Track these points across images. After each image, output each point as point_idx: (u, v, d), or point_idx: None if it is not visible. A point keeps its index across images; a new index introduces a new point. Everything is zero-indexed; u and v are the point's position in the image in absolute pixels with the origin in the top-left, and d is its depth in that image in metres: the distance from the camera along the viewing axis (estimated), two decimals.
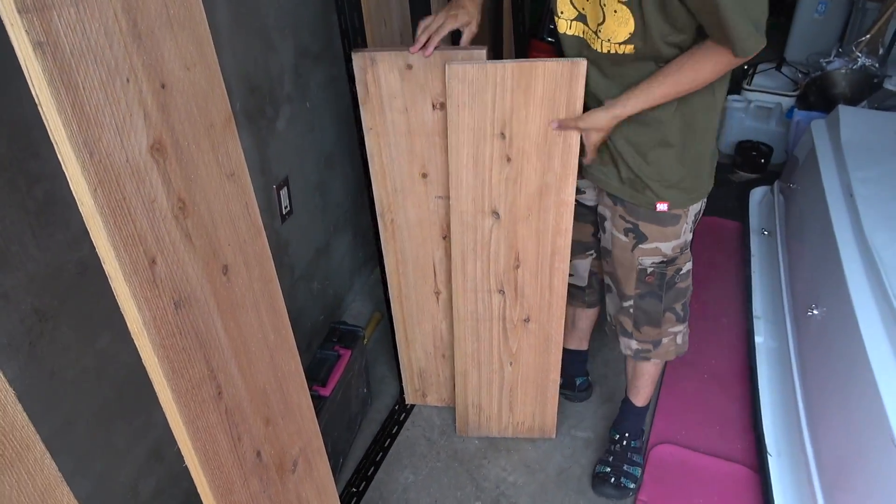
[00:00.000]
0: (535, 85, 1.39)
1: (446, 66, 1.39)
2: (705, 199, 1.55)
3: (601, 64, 1.38)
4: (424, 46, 1.43)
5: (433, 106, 1.50)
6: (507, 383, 1.85)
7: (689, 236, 1.57)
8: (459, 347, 1.79)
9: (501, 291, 1.68)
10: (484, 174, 1.51)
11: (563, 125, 1.43)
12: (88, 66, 0.69)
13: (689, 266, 1.60)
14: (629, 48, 1.30)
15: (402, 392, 2.07)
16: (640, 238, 1.52)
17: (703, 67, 1.26)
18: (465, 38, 1.44)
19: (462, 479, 1.86)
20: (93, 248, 0.76)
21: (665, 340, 1.67)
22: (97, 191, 0.71)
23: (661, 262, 1.55)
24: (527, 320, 1.72)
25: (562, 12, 1.38)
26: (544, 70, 1.37)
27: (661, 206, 1.47)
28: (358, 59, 1.48)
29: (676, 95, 1.32)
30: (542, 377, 1.82)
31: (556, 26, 1.44)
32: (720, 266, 2.67)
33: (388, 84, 1.50)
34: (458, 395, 1.89)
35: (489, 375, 1.84)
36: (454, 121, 1.45)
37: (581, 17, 1.36)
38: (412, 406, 2.08)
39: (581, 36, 1.38)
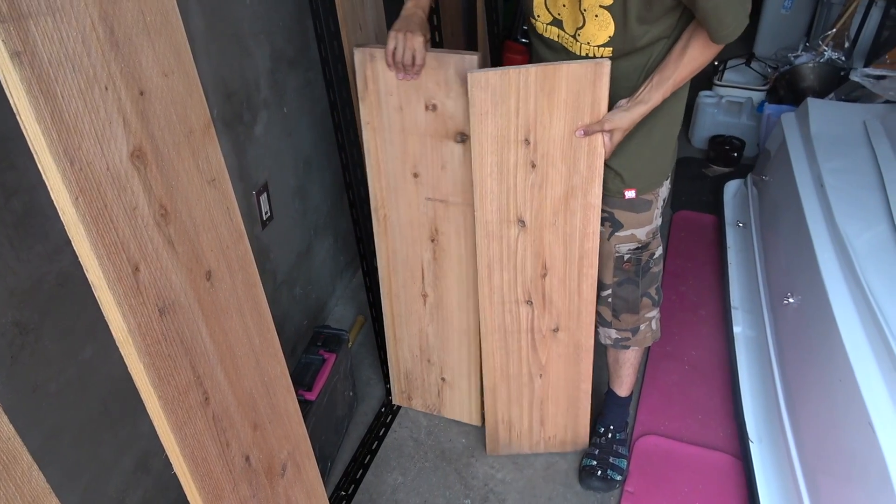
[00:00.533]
0: (558, 88, 1.37)
1: (468, 74, 1.37)
2: (671, 184, 1.60)
3: None
4: (407, 71, 1.45)
5: (426, 107, 1.50)
6: (537, 397, 1.81)
7: (660, 220, 1.61)
8: (488, 363, 1.75)
9: (529, 302, 1.65)
10: (509, 182, 1.49)
11: (588, 131, 1.41)
12: (66, 74, 0.69)
13: (660, 250, 1.65)
14: (608, 51, 1.33)
15: (388, 394, 2.08)
16: (616, 226, 1.56)
17: (708, 47, 1.30)
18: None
19: (450, 479, 1.87)
20: (73, 259, 0.76)
21: (642, 327, 1.72)
22: (79, 199, 0.71)
23: (637, 248, 1.60)
24: (556, 330, 1.69)
25: (538, 16, 1.40)
26: (568, 72, 1.35)
27: (630, 194, 1.51)
28: (359, 53, 1.49)
29: (688, 78, 1.35)
30: (572, 388, 1.78)
31: (530, 27, 1.46)
32: (697, 259, 2.71)
33: (385, 81, 1.50)
34: (488, 413, 1.85)
35: (518, 389, 1.79)
36: (477, 130, 1.43)
37: (556, 22, 1.38)
38: (398, 408, 2.08)
39: (557, 40, 1.41)
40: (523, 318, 1.68)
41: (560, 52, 1.42)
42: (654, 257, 1.64)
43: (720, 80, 3.56)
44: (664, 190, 1.57)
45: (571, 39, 1.36)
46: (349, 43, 1.68)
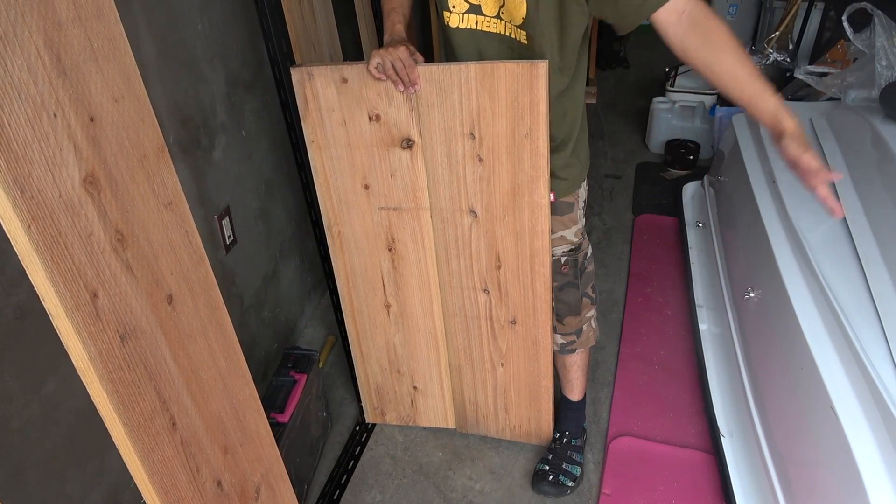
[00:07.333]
0: (497, 86, 1.40)
1: (417, 67, 1.41)
2: (587, 185, 1.67)
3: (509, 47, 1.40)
4: (405, 82, 1.41)
5: (369, 118, 1.52)
6: (500, 384, 1.86)
7: (584, 220, 1.68)
8: (451, 342, 1.82)
9: (486, 290, 1.70)
10: (458, 172, 1.54)
11: (798, 161, 1.26)
12: (13, 103, 0.69)
13: (590, 249, 1.72)
14: (523, 35, 1.35)
15: (362, 412, 2.07)
16: None
17: (723, 26, 1.31)
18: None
19: (429, 493, 1.86)
20: (30, 292, 0.75)
21: (585, 328, 1.77)
22: (31, 227, 0.71)
23: (571, 249, 1.65)
24: (513, 322, 1.73)
25: (453, 6, 1.38)
26: (505, 71, 1.38)
27: (550, 197, 1.55)
28: (296, 73, 1.51)
29: (733, 35, 1.34)
30: (534, 382, 1.82)
31: (442, 27, 1.44)
32: (661, 260, 2.76)
33: (325, 98, 1.52)
34: (454, 390, 1.91)
35: (482, 374, 1.85)
36: (425, 119, 1.48)
37: (474, 8, 1.37)
38: (373, 425, 2.07)
39: (475, 28, 1.39)
40: (482, 306, 1.73)
41: (478, 46, 1.42)
42: (588, 257, 1.71)
43: (672, 85, 3.65)
44: (583, 191, 1.65)
45: (496, 21, 1.37)
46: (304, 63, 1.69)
